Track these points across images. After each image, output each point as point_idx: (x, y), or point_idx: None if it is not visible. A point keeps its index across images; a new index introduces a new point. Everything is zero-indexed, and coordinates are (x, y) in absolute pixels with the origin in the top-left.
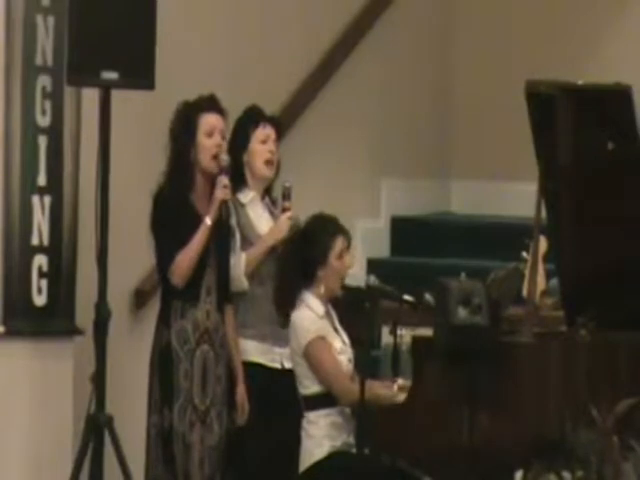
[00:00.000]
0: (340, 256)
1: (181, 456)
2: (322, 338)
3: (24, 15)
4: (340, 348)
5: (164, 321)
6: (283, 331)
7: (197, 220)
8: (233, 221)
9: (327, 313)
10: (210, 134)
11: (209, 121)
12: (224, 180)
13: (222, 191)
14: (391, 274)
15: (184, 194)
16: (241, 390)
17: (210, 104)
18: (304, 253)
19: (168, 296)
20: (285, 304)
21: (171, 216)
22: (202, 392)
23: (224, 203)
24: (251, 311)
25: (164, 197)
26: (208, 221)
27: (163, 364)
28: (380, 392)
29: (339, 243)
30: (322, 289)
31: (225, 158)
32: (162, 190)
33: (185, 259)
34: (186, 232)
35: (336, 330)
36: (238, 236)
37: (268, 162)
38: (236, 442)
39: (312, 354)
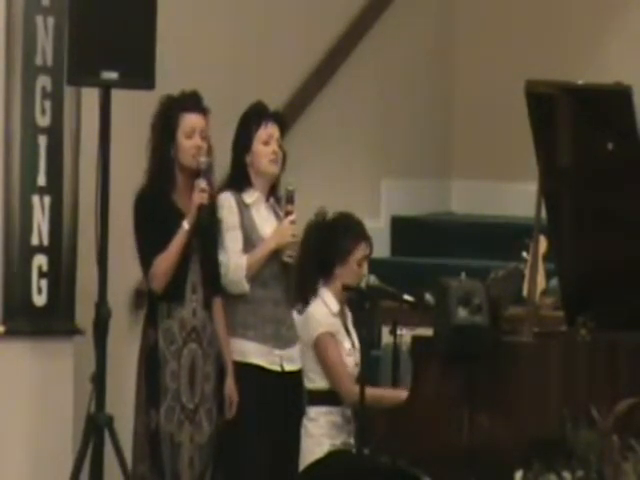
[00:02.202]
0: (360, 263)
1: (169, 456)
2: (332, 334)
3: (24, 15)
4: (348, 350)
5: (151, 322)
6: (284, 333)
7: (180, 218)
8: (222, 215)
9: (341, 312)
10: (190, 135)
11: (189, 122)
12: (202, 184)
13: (199, 195)
14: (391, 274)
15: (165, 193)
16: (230, 383)
17: (192, 103)
18: (325, 248)
19: (154, 297)
20: (304, 291)
21: (151, 219)
22: (190, 391)
23: (203, 207)
24: (252, 313)
25: (144, 199)
26: (186, 226)
27: (150, 365)
28: (383, 393)
29: (362, 249)
30: (338, 286)
31: (204, 160)
32: (143, 192)
33: (162, 265)
34: (169, 232)
35: (347, 331)
36: (240, 235)
37: (272, 161)
38: (231, 442)
39: (320, 347)
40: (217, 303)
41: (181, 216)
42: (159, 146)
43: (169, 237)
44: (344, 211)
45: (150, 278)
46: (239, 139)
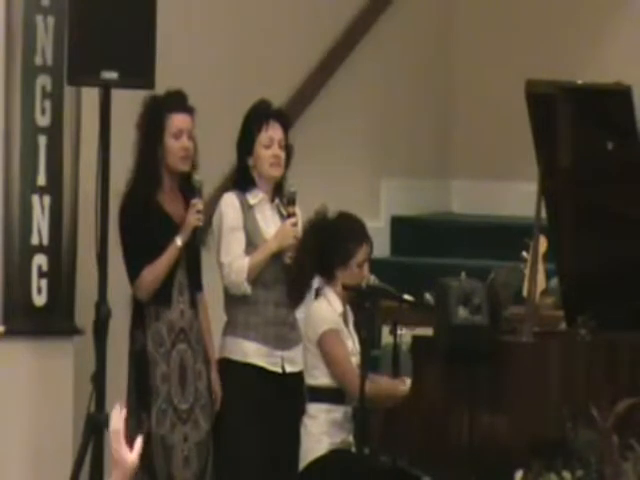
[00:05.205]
0: (361, 264)
1: (161, 459)
2: (336, 331)
3: (24, 15)
4: (351, 350)
5: (138, 325)
6: (286, 334)
7: (166, 220)
8: (225, 215)
9: (344, 314)
10: (177, 136)
11: (176, 123)
12: (198, 205)
13: (195, 216)
14: (391, 274)
15: (151, 195)
16: (214, 377)
17: (178, 103)
18: (326, 250)
19: (140, 301)
20: (298, 287)
21: (138, 224)
22: (182, 392)
23: (198, 228)
24: (253, 314)
25: (130, 203)
26: (178, 242)
27: (139, 368)
28: (383, 385)
29: (363, 252)
30: (340, 287)
31: (198, 179)
32: (128, 196)
33: (150, 277)
34: (155, 235)
35: (349, 333)
36: (243, 236)
37: (273, 165)
38: (230, 443)
39: (326, 344)
40: (200, 299)
41: (168, 218)
42: (146, 148)
43: (156, 243)
44: (345, 211)
45: (136, 287)
46: (241, 142)
